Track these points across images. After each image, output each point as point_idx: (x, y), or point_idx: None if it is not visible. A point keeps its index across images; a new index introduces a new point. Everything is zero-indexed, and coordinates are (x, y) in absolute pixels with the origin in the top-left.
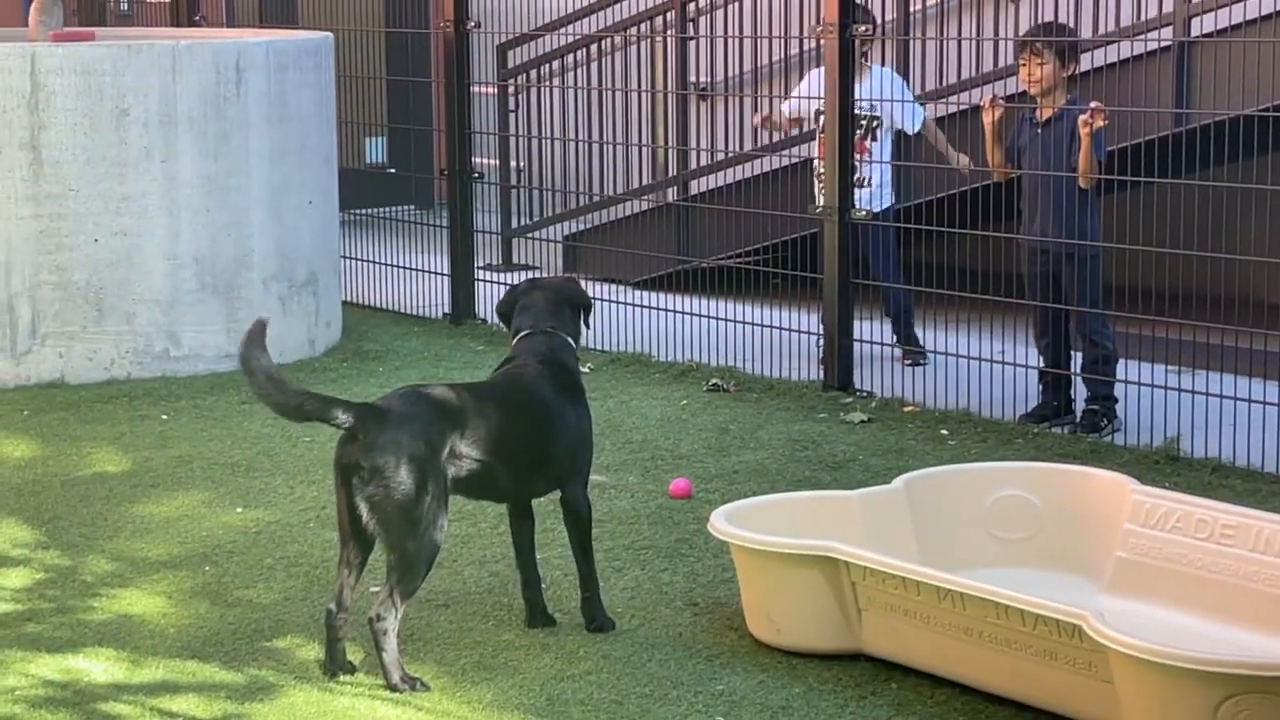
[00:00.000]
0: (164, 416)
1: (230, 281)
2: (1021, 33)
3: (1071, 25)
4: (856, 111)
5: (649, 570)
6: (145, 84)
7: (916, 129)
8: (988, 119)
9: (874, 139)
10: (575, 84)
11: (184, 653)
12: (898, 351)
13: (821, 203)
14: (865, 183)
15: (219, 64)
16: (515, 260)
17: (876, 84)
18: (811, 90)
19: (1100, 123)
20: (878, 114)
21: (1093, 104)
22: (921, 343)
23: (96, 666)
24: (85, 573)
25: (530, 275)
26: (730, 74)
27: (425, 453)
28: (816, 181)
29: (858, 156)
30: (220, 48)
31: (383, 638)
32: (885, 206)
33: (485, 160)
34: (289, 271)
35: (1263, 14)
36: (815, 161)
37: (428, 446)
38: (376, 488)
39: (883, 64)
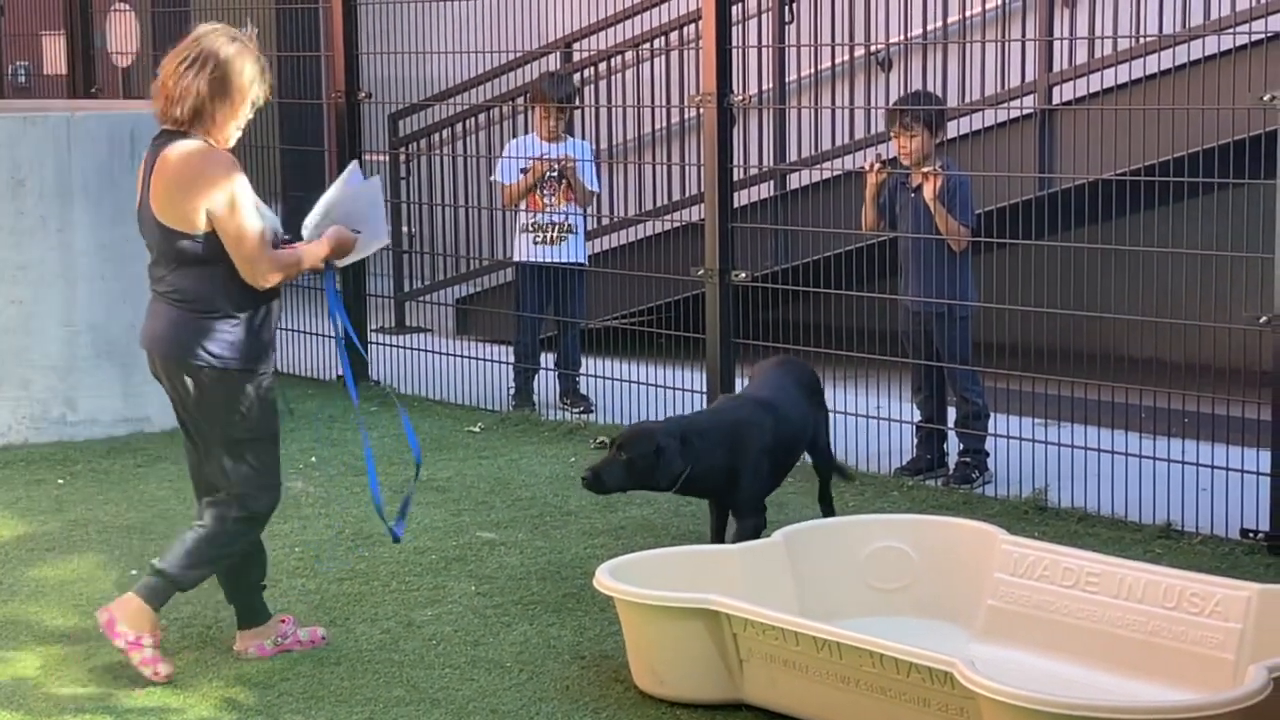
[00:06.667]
0: (60, 481)
1: (126, 348)
2: (893, 103)
3: (939, 94)
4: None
5: (537, 625)
6: (40, 155)
7: (595, 188)
8: (871, 180)
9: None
10: (465, 151)
11: (78, 714)
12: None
13: (523, 256)
14: (573, 229)
15: (113, 134)
16: (408, 323)
17: (574, 150)
18: (514, 152)
19: (931, 188)
20: (553, 172)
21: (924, 169)
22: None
23: None
24: None
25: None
26: (614, 141)
27: None
28: (520, 233)
29: (564, 205)
30: (115, 119)
31: None
32: (583, 258)
33: None
34: None
35: (1119, 83)
36: (521, 216)
37: None
38: None
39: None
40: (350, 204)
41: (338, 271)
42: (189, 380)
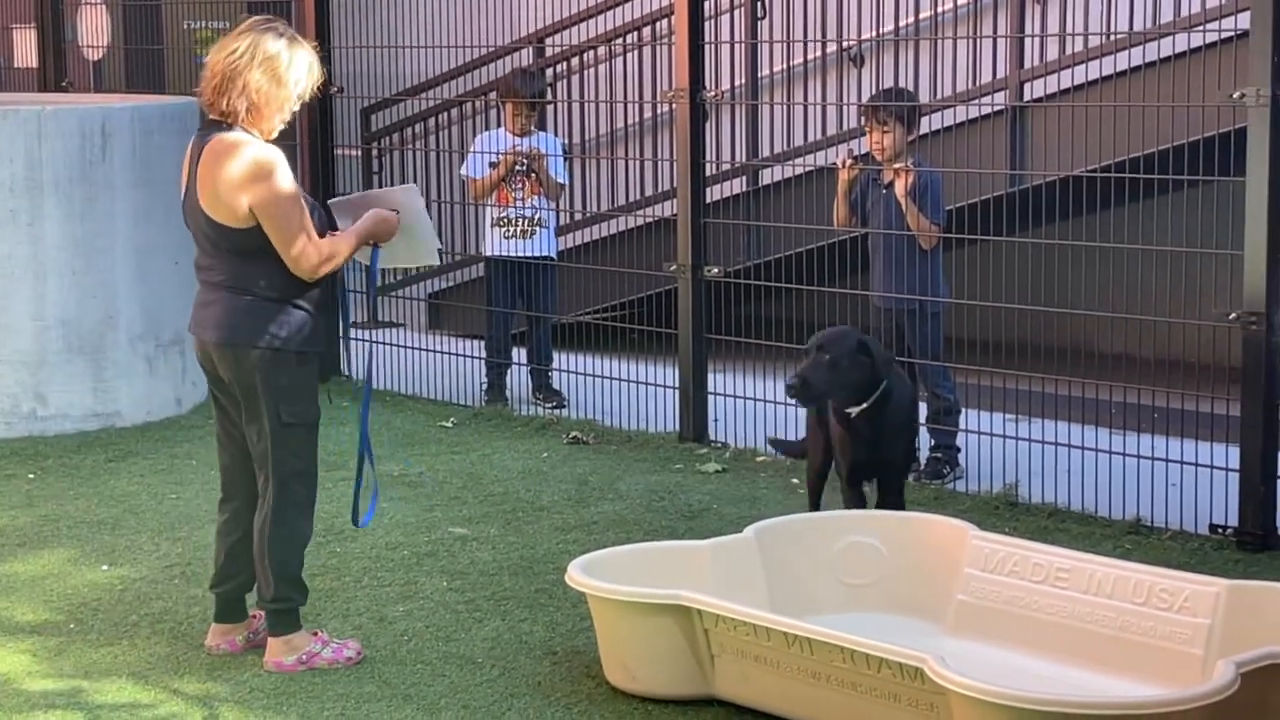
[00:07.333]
0: (30, 476)
1: (97, 342)
2: (865, 98)
3: (912, 91)
4: (519, 165)
5: (509, 620)
6: (11, 148)
7: (564, 180)
8: (844, 176)
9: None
10: (437, 146)
11: (49, 710)
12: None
13: (493, 251)
14: (543, 223)
15: (84, 128)
16: (381, 318)
17: (542, 144)
18: (482, 147)
19: (902, 185)
20: (522, 166)
21: (895, 166)
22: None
23: None
24: None
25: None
26: (587, 136)
27: None
28: (490, 228)
29: (532, 199)
30: (86, 113)
31: None
32: (553, 251)
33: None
34: (155, 331)
35: (1089, 79)
36: (491, 210)
37: None
38: None
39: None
40: (390, 199)
41: (377, 254)
42: (244, 363)
